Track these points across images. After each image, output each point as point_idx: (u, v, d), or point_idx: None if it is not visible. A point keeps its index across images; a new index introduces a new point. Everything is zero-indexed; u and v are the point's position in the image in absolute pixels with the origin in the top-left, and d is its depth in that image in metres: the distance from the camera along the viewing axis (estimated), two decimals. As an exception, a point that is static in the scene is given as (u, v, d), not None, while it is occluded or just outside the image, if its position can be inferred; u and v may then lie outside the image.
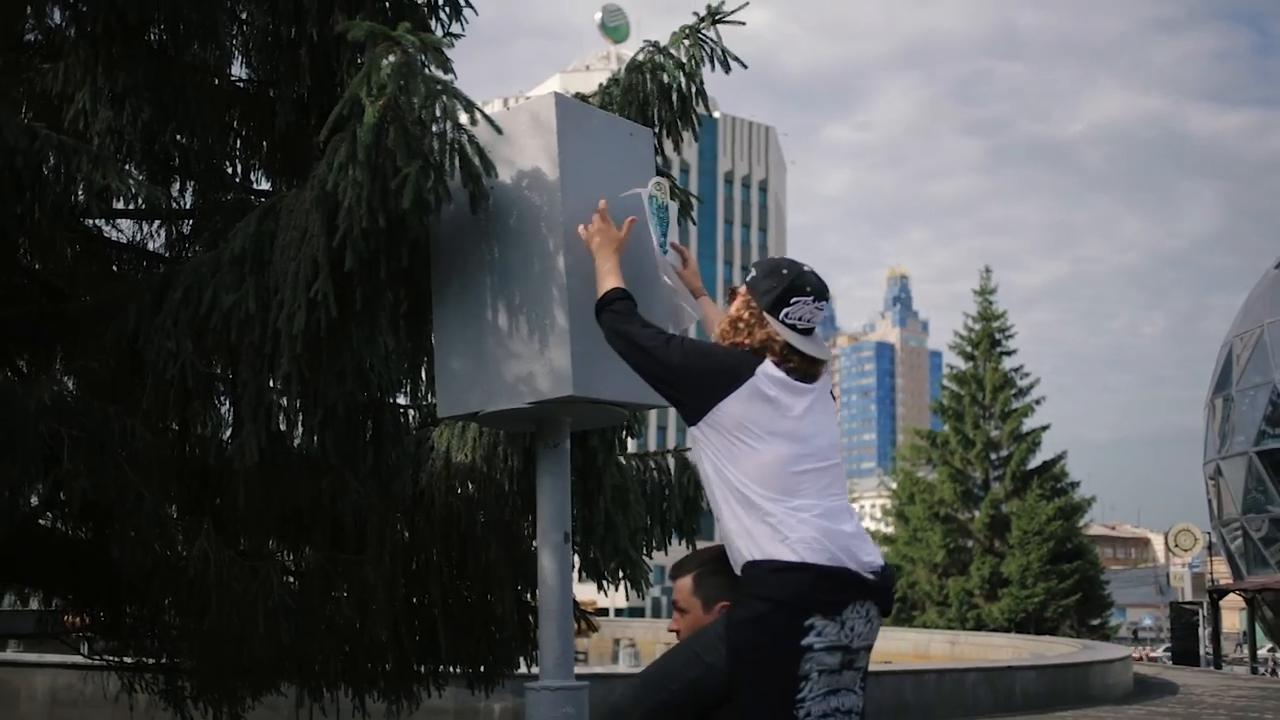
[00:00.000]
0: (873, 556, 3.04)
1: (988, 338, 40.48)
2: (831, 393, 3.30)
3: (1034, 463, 39.63)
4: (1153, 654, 41.31)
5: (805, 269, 3.20)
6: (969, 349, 40.71)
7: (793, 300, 3.12)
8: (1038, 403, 40.29)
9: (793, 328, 3.12)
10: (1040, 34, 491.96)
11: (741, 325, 3.18)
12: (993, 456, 39.96)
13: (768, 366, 3.10)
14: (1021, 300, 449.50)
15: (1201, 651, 33.41)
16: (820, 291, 3.16)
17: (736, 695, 2.97)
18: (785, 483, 3.02)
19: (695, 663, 3.08)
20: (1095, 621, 38.86)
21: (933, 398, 44.09)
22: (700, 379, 3.14)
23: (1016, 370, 40.51)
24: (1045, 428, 40.19)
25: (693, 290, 3.82)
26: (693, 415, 3.17)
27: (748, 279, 3.25)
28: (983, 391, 39.94)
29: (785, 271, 3.17)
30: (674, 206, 3.94)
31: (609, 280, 3.44)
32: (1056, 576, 36.66)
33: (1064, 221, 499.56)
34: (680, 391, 3.21)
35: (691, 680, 3.07)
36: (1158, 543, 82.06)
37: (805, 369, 3.13)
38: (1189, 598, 37.86)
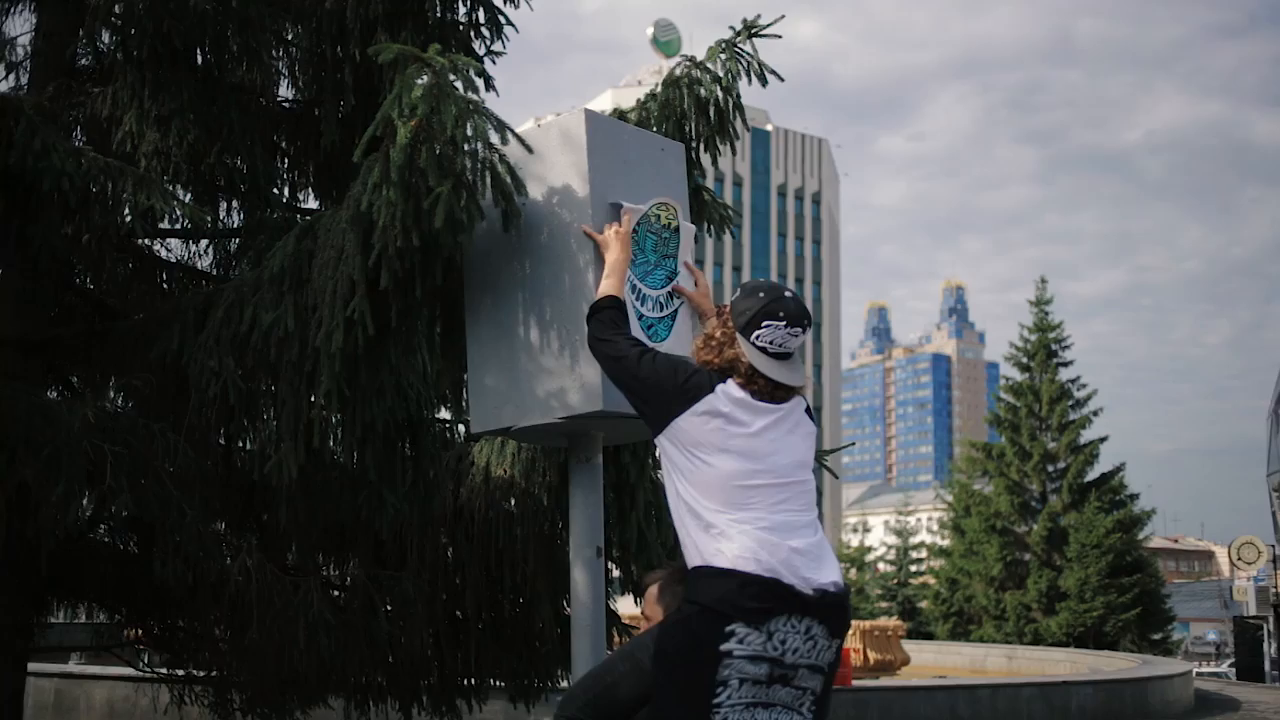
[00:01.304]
0: (819, 574, 3.04)
1: (1044, 349, 39.94)
2: (810, 414, 3.31)
3: (1092, 475, 39.00)
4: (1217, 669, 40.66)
5: (785, 295, 3.21)
6: (1025, 360, 40.20)
7: (764, 324, 3.14)
8: (1096, 414, 39.67)
9: (763, 350, 3.15)
10: (1097, 41, 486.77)
11: (713, 343, 3.23)
12: (1050, 469, 39.38)
13: (729, 386, 3.14)
14: (1080, 310, 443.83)
15: (1266, 667, 32.79)
16: (795, 318, 3.16)
17: (657, 692, 3.06)
18: (731, 496, 3.06)
19: (628, 659, 3.24)
20: (1157, 636, 38.21)
21: (989, 410, 43.54)
22: (662, 393, 3.20)
23: (1074, 381, 39.93)
24: (1104, 439, 39.55)
25: (702, 311, 3.86)
26: (654, 426, 3.24)
27: (732, 298, 3.29)
28: (1039, 403, 39.42)
29: (762, 295, 3.20)
30: (687, 228, 3.95)
31: (605, 285, 3.52)
32: (1116, 590, 36.03)
33: (1123, 230, 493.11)
34: (644, 402, 3.27)
35: (622, 675, 3.22)
36: (1222, 555, 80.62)
37: (771, 392, 3.16)
38: (1253, 612, 37.10)
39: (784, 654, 2.98)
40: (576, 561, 3.84)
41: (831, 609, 3.05)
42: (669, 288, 3.84)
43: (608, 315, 3.42)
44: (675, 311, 3.84)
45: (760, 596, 2.95)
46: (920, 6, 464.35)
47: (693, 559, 3.09)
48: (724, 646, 2.94)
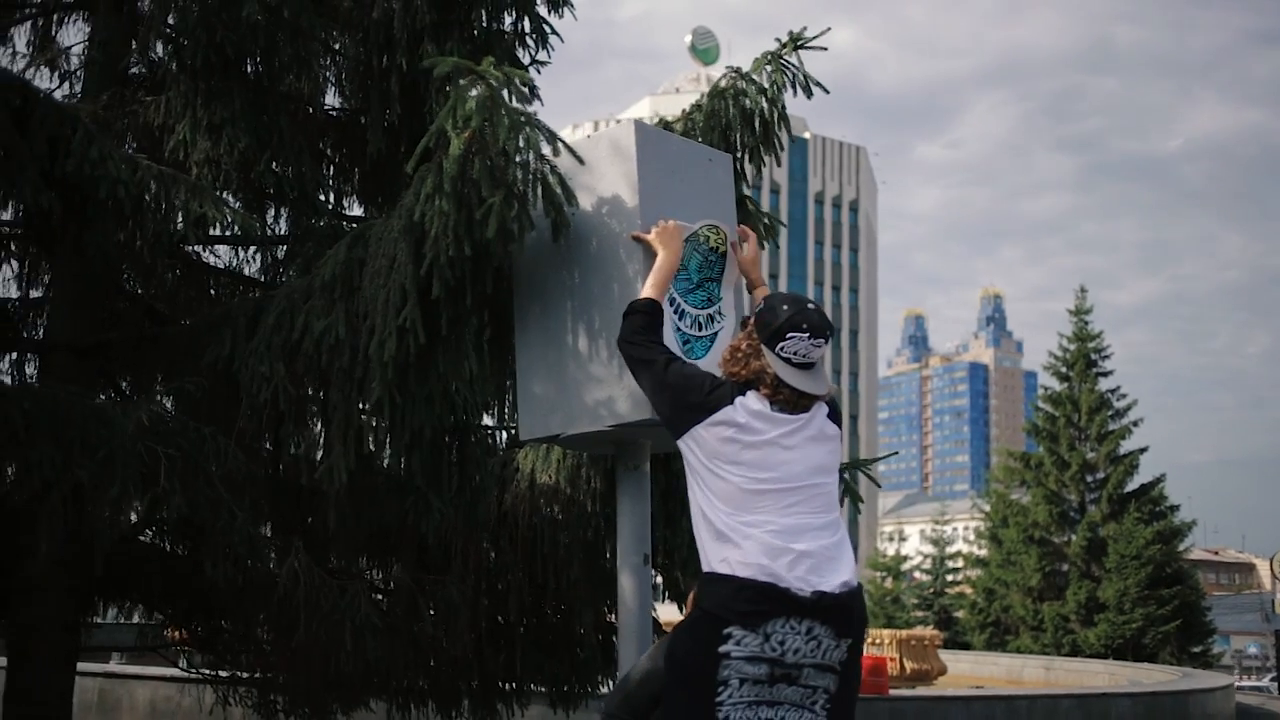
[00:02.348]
0: (825, 576, 3.13)
1: (1083, 358, 39.63)
2: (834, 417, 3.39)
3: (1132, 485, 38.65)
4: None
5: (809, 307, 3.33)
6: (1064, 370, 39.88)
7: (789, 335, 3.26)
8: (1135, 424, 39.31)
9: (788, 361, 3.26)
10: (1136, 48, 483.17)
11: (739, 355, 3.35)
12: (1089, 479, 39.05)
13: (749, 399, 3.27)
14: (1118, 319, 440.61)
15: (1309, 682, 32.42)
16: (818, 329, 3.28)
17: (666, 691, 3.21)
18: (743, 501, 3.19)
19: (649, 660, 3.41)
20: (1197, 649, 37.82)
21: (1027, 419, 43.24)
22: (686, 400, 3.32)
23: (1113, 391, 39.58)
24: (1143, 450, 39.18)
25: (751, 280, 3.95)
26: (674, 432, 3.37)
27: (758, 309, 3.41)
28: (1078, 413, 39.12)
29: (786, 308, 3.32)
30: (732, 256, 3.98)
31: (646, 288, 3.60)
32: (1155, 602, 35.69)
33: (1161, 239, 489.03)
34: (666, 408, 3.40)
35: (643, 675, 3.38)
36: (1263, 568, 79.71)
37: (795, 401, 3.28)
38: (1295, 625, 36.72)
39: (784, 654, 3.09)
40: (624, 568, 3.87)
41: (832, 610, 3.13)
42: (710, 310, 3.87)
43: (641, 319, 3.52)
44: (715, 334, 3.87)
45: (755, 600, 3.08)
46: (957, 14, 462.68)
47: (704, 563, 3.23)
48: (723, 648, 3.08)
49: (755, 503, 3.18)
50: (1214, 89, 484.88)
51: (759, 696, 3.09)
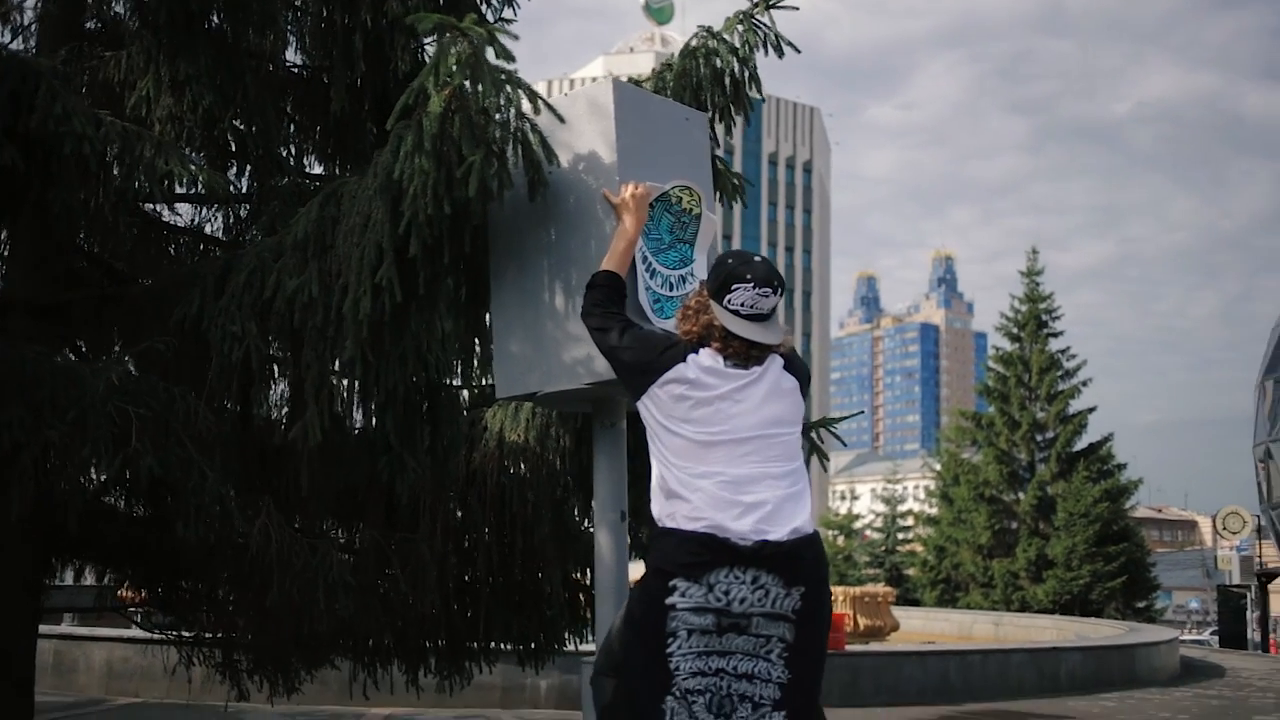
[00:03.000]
0: (773, 525, 3.17)
1: (1034, 319, 40.05)
2: (795, 372, 3.41)
3: (1080, 444, 39.23)
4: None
5: (754, 259, 3.38)
6: (1015, 330, 40.31)
7: (734, 287, 3.30)
8: (1084, 384, 39.85)
9: (735, 313, 3.30)
10: (1089, 11, 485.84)
11: (689, 312, 3.41)
12: (1038, 438, 39.59)
13: (700, 356, 3.31)
14: (1068, 281, 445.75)
15: (1249, 635, 33.10)
16: (763, 279, 3.31)
17: (624, 647, 3.31)
18: (693, 453, 3.24)
19: (618, 618, 3.49)
20: (1141, 604, 38.54)
21: (978, 379, 43.64)
22: (641, 362, 3.38)
23: (1063, 352, 40.07)
24: (1092, 409, 39.75)
25: None
26: (634, 396, 3.42)
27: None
28: (1029, 373, 39.59)
29: (730, 261, 3.38)
30: (709, 219, 4.00)
31: (608, 258, 3.64)
32: (1102, 559, 36.32)
33: (1112, 202, 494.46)
34: (625, 373, 3.46)
35: (612, 632, 3.48)
36: (1205, 525, 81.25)
37: (746, 353, 3.32)
38: (1237, 581, 37.40)
39: (729, 604, 3.14)
40: (601, 525, 3.89)
41: (777, 559, 3.16)
42: (682, 270, 3.87)
43: (601, 293, 3.57)
44: (686, 296, 3.88)
45: (696, 552, 3.14)
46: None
47: (656, 519, 3.31)
48: (669, 600, 3.15)
49: (706, 455, 3.22)
50: (1167, 53, 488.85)
51: (708, 646, 3.15)
